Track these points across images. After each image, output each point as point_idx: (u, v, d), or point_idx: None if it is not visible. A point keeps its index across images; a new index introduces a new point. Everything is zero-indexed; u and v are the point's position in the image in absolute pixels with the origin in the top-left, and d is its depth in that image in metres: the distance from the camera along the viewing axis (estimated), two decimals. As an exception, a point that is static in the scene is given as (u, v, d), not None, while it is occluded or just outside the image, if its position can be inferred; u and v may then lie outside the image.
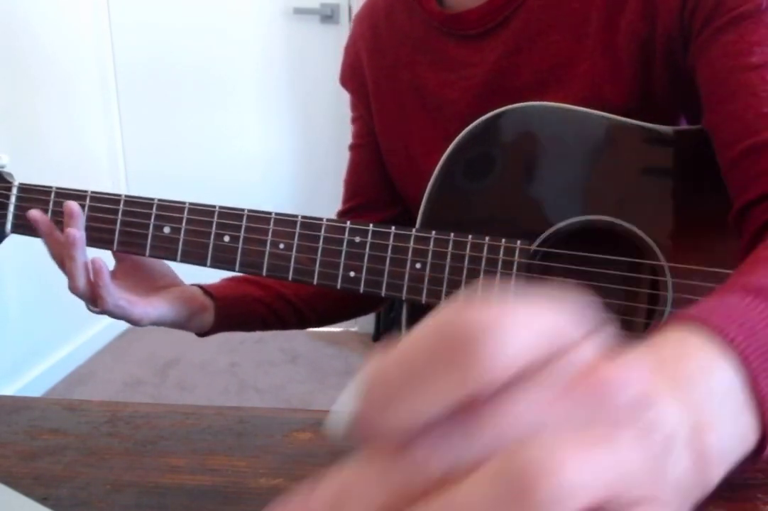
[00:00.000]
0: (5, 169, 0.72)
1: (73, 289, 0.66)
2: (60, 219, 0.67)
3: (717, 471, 0.27)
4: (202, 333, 0.78)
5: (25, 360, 2.13)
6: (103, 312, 0.67)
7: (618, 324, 0.68)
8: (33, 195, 0.70)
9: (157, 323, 0.71)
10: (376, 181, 0.84)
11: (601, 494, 0.19)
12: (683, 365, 0.28)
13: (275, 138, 2.58)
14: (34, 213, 0.67)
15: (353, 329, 2.65)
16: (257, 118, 2.57)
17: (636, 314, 0.67)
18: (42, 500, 0.38)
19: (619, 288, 0.66)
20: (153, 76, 2.54)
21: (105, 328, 2.53)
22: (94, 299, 0.66)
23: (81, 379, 2.29)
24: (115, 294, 0.66)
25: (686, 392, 0.27)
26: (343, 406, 0.19)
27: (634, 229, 0.63)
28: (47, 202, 0.69)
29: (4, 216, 0.70)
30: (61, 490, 0.40)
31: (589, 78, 0.65)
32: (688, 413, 0.26)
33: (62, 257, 0.66)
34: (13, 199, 0.70)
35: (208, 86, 2.54)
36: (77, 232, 0.65)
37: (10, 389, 2.03)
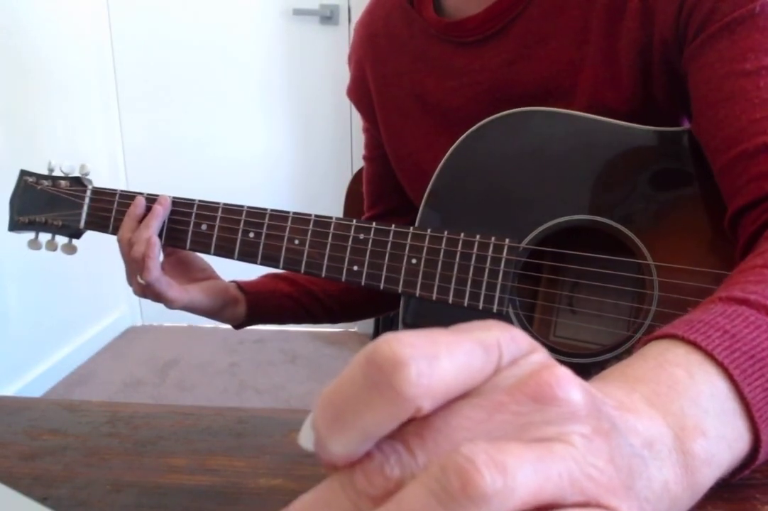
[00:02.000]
0: (88, 176, 0.83)
1: (131, 254, 0.76)
2: (120, 217, 0.79)
3: (707, 476, 0.27)
4: (239, 325, 0.87)
5: (25, 360, 2.13)
6: (144, 291, 0.77)
7: (604, 322, 0.68)
8: (102, 197, 0.81)
9: (189, 308, 0.79)
10: (393, 190, 0.86)
11: (541, 493, 0.19)
12: (666, 376, 0.28)
13: (274, 139, 2.58)
14: (140, 198, 0.78)
15: (353, 329, 2.65)
16: (257, 118, 2.57)
17: (622, 312, 0.68)
18: (42, 500, 0.38)
19: (607, 286, 0.66)
20: (152, 77, 2.54)
21: (105, 328, 2.53)
22: (141, 269, 0.75)
23: (81, 379, 2.29)
24: (160, 270, 0.75)
25: (667, 401, 0.27)
26: (306, 429, 0.21)
27: (622, 228, 0.63)
28: (112, 202, 0.80)
29: (80, 215, 0.82)
30: (61, 490, 0.40)
31: (591, 85, 0.65)
32: (670, 421, 0.26)
33: (136, 226, 0.76)
34: (87, 200, 0.82)
35: (208, 87, 2.54)
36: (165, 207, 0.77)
37: (10, 390, 2.03)
